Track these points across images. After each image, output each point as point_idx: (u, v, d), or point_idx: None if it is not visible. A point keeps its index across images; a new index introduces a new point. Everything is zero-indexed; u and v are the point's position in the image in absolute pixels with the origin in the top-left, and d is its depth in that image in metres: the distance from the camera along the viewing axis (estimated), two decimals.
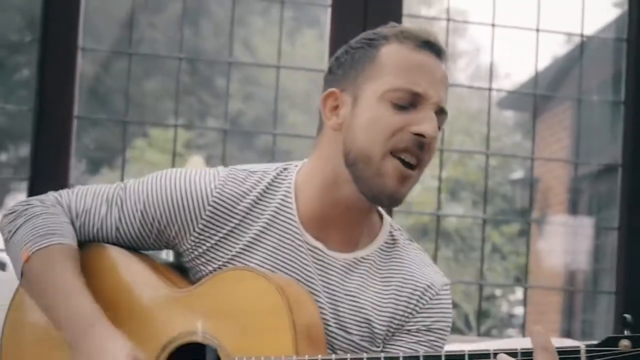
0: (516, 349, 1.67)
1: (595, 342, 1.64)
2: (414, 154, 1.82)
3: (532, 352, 1.66)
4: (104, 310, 1.81)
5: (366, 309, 1.91)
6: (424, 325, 1.93)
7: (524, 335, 4.62)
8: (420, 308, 1.93)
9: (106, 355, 1.70)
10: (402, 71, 1.82)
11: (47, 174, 3.24)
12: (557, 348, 1.64)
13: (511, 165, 11.85)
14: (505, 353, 1.67)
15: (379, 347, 1.94)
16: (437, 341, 1.95)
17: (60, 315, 1.79)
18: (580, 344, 1.65)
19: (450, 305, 1.99)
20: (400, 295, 1.93)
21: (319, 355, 1.73)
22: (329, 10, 3.56)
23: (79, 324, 1.76)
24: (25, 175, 3.28)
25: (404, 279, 1.95)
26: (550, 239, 8.98)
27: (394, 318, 1.93)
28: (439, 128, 1.86)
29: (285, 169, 1.96)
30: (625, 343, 1.61)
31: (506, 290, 12.66)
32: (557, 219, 10.62)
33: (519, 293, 12.46)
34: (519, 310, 12.66)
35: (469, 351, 1.67)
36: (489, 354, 1.67)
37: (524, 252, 12.42)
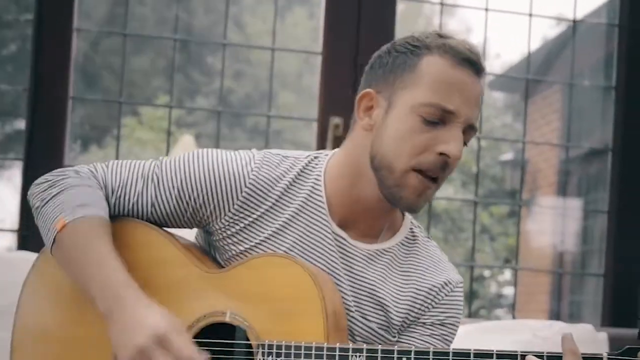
0: (543, 353, 1.69)
1: (616, 352, 1.67)
2: (436, 172, 1.87)
3: (561, 356, 1.68)
4: None
5: (385, 300, 1.95)
6: (438, 320, 1.99)
7: (513, 317, 4.66)
8: (437, 303, 1.99)
9: (144, 321, 1.72)
10: (438, 86, 1.85)
11: (43, 154, 3.25)
12: (583, 354, 1.68)
13: (500, 146, 11.88)
14: (534, 355, 1.69)
15: (394, 337, 1.99)
16: (448, 335, 2.00)
17: (93, 285, 1.80)
18: (603, 354, 1.67)
19: (462, 302, 2.04)
20: (419, 290, 1.98)
21: (351, 344, 1.77)
22: None
23: (113, 293, 1.77)
24: (17, 154, 3.29)
25: (423, 274, 2.00)
26: (539, 220, 9.03)
27: (411, 310, 1.98)
28: (465, 144, 1.91)
29: (316, 157, 2.00)
30: None
31: (495, 271, 12.73)
32: (546, 200, 10.67)
33: (507, 274, 12.53)
34: (507, 291, 12.73)
35: (496, 351, 1.71)
36: (517, 355, 1.71)
37: (513, 233, 12.50)
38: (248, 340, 1.81)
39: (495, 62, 16.68)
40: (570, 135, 4.41)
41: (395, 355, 1.73)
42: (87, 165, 2.01)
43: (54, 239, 1.87)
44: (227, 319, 1.83)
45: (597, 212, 8.35)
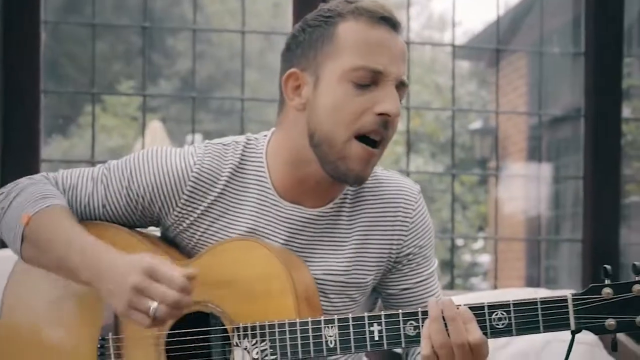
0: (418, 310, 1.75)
1: (580, 292, 1.70)
2: (379, 133, 1.83)
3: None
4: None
5: (356, 253, 1.95)
6: (415, 245, 1.98)
7: (495, 286, 4.69)
8: (407, 233, 1.98)
9: (128, 264, 1.75)
10: (361, 49, 1.83)
11: (18, 149, 3.21)
12: (545, 298, 1.70)
13: (468, 115, 11.93)
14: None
15: (371, 296, 2.02)
16: (429, 249, 2.02)
17: (75, 261, 1.82)
18: (567, 293, 1.71)
19: (426, 212, 2.03)
20: (389, 230, 1.97)
21: (322, 317, 1.79)
22: None
23: (92, 258, 1.80)
24: None
25: (383, 215, 1.97)
26: (511, 187, 9.10)
27: (392, 252, 1.97)
28: (400, 100, 1.88)
29: (256, 138, 1.99)
30: (607, 291, 1.68)
31: (468, 240, 12.81)
32: (516, 167, 10.74)
33: (480, 242, 12.62)
34: (481, 259, 12.83)
35: (402, 311, 1.74)
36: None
37: (484, 201, 12.59)
38: (223, 325, 1.83)
39: (457, 30, 16.75)
40: (538, 102, 4.41)
41: (367, 322, 1.76)
42: (39, 174, 2.03)
43: (23, 236, 1.88)
44: (201, 307, 1.84)
45: (567, 177, 8.44)
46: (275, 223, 1.93)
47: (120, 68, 14.35)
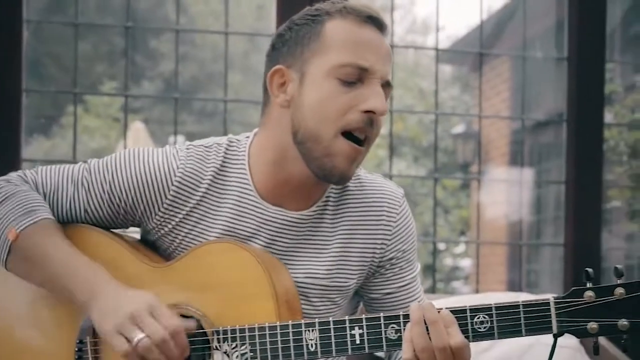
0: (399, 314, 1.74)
1: (562, 295, 1.70)
2: (364, 131, 1.82)
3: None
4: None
5: (338, 257, 1.93)
6: (399, 250, 1.98)
7: (477, 290, 4.69)
8: (391, 237, 1.97)
9: (135, 294, 1.75)
10: (348, 46, 1.82)
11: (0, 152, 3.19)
12: (527, 301, 1.70)
13: (451, 119, 11.93)
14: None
15: (353, 300, 2.01)
16: (412, 253, 2.01)
17: (67, 279, 1.81)
18: (549, 297, 1.71)
19: (410, 216, 2.02)
20: (371, 235, 1.96)
21: (302, 320, 1.77)
22: None
23: (89, 284, 1.78)
24: None
25: (366, 218, 1.96)
26: (493, 191, 9.10)
27: (375, 256, 1.96)
28: (385, 100, 1.87)
29: (237, 139, 1.97)
30: (589, 294, 1.68)
31: (450, 244, 12.83)
32: (498, 171, 10.77)
33: (462, 246, 12.64)
34: (463, 263, 12.85)
35: (384, 314, 1.74)
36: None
37: (466, 206, 12.61)
38: (203, 329, 1.81)
39: (441, 35, 16.79)
40: (520, 106, 4.40)
41: (348, 325, 1.74)
42: (15, 172, 2.00)
43: (9, 250, 1.85)
44: (181, 311, 1.82)
45: (549, 182, 8.46)
46: (256, 225, 1.91)
47: (103, 69, 14.30)
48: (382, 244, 1.96)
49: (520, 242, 4.55)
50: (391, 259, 1.97)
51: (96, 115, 13.94)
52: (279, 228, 1.91)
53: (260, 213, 1.91)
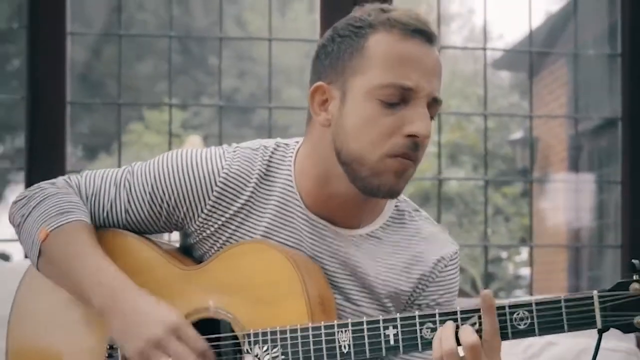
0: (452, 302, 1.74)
1: (607, 289, 1.60)
2: (408, 156, 1.75)
3: (472, 315, 1.64)
4: None
5: (374, 285, 1.88)
6: (433, 300, 1.90)
7: (530, 294, 4.62)
8: (430, 283, 1.90)
9: (155, 313, 1.71)
10: (391, 64, 1.73)
11: (44, 162, 3.21)
12: (570, 296, 1.62)
13: (509, 126, 11.82)
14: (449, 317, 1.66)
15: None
16: (446, 309, 1.93)
17: (87, 285, 1.77)
18: (593, 291, 1.61)
19: (458, 274, 1.96)
20: (410, 272, 1.89)
21: (335, 321, 1.72)
22: None
23: (108, 288, 1.75)
24: (22, 165, 3.26)
25: (412, 255, 1.91)
26: (553, 197, 8.98)
27: (403, 293, 1.89)
28: (432, 118, 1.78)
29: (286, 144, 1.91)
30: (636, 286, 1.57)
31: (512, 251, 12.68)
32: (559, 177, 10.62)
33: (524, 254, 12.50)
34: (525, 271, 12.70)
35: (419, 313, 1.68)
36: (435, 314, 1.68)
37: (527, 213, 12.45)
38: (234, 332, 1.77)
39: (499, 43, 16.66)
40: (577, 109, 4.34)
41: (382, 325, 1.68)
42: (62, 177, 1.97)
43: (39, 251, 1.84)
44: (211, 314, 1.79)
45: (611, 184, 8.33)
46: (299, 235, 1.85)
47: (165, 86, 14.45)
48: (422, 285, 1.89)
49: (573, 244, 4.46)
50: (420, 305, 1.90)
51: (157, 131, 14.09)
52: (323, 242, 1.86)
53: (305, 223, 1.85)
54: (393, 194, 1.79)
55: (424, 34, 1.75)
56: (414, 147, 1.74)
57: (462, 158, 12.93)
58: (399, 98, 1.72)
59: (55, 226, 1.82)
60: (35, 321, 1.93)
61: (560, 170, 10.38)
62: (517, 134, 11.01)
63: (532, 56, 4.17)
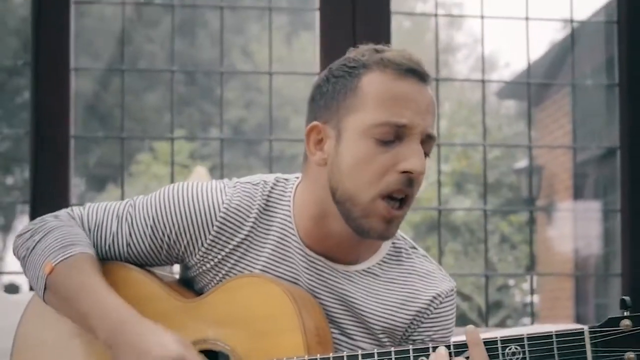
0: (447, 338, 1.74)
1: (597, 324, 1.63)
2: (402, 192, 1.77)
3: (465, 344, 1.66)
4: None
5: (369, 320, 1.90)
6: (427, 336, 1.92)
7: (532, 323, 4.62)
8: (425, 319, 1.93)
9: (160, 344, 1.71)
10: (384, 103, 1.75)
11: (48, 195, 3.24)
12: (561, 331, 1.65)
13: (515, 154, 11.83)
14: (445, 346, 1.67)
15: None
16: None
17: (93, 318, 1.78)
18: (584, 327, 1.63)
19: (454, 311, 1.98)
20: (404, 308, 1.92)
21: (331, 354, 1.74)
22: (317, 13, 3.56)
23: (113, 320, 1.76)
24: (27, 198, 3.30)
25: (408, 292, 1.93)
26: (559, 225, 8.97)
27: (397, 328, 1.92)
28: (427, 154, 1.80)
29: (286, 180, 1.94)
30: (626, 322, 1.60)
31: (519, 279, 12.66)
32: (564, 205, 10.62)
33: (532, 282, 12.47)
34: (530, 299, 12.65)
35: (413, 346, 1.69)
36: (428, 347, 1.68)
37: (533, 241, 12.47)
38: None
39: (505, 72, 16.70)
40: (580, 137, 4.35)
41: (376, 358, 1.70)
42: (65, 209, 2.00)
43: (45, 285, 1.86)
44: (210, 346, 1.81)
45: (609, 211, 8.33)
46: (297, 271, 1.88)
47: (170, 117, 14.49)
48: (417, 321, 1.92)
49: (577, 272, 4.47)
50: (415, 340, 1.92)
51: (165, 162, 14.13)
52: (320, 277, 1.88)
53: (302, 258, 1.88)
54: (384, 237, 1.82)
55: (416, 74, 1.77)
56: (408, 184, 1.76)
57: (468, 187, 12.94)
58: (393, 136, 1.75)
59: (61, 259, 1.84)
60: (37, 353, 1.95)
61: (565, 199, 10.39)
62: (522, 163, 11.04)
63: (529, 88, 4.20)
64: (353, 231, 1.81)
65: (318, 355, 1.74)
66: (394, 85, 1.76)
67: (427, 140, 1.78)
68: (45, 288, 1.86)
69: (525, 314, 12.68)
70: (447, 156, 12.92)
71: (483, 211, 4.10)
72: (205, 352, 1.82)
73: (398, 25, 17.13)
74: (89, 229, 1.94)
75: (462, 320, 11.61)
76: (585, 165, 8.40)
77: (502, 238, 12.11)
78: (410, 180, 1.76)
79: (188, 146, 14.35)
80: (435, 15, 3.93)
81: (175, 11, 3.79)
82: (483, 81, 4.11)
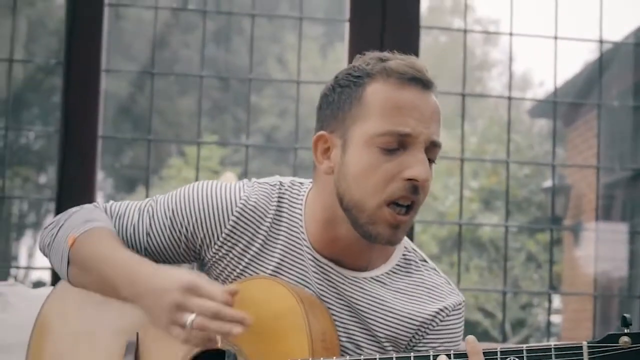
0: (450, 351, 1.71)
1: (596, 339, 1.65)
2: (408, 199, 1.81)
3: (466, 354, 1.69)
4: (129, 324, 1.91)
5: (374, 328, 1.93)
6: (432, 348, 1.94)
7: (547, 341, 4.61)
8: (430, 331, 1.95)
9: (168, 280, 1.76)
10: (388, 112, 1.79)
11: (74, 194, 3.28)
12: (560, 344, 1.67)
13: (544, 173, 11.79)
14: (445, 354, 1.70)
15: None
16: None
17: (113, 278, 1.84)
18: (583, 342, 1.66)
19: (461, 325, 2.00)
20: (411, 319, 1.94)
21: (334, 357, 1.77)
22: (347, 25, 3.59)
23: (131, 273, 1.82)
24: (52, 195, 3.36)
25: (415, 304, 1.95)
26: (585, 245, 8.92)
27: (402, 339, 1.94)
28: (433, 161, 1.85)
29: (301, 183, 1.99)
30: (625, 339, 1.63)
31: (542, 299, 12.60)
32: (590, 225, 10.56)
33: (556, 302, 12.39)
34: (555, 319, 12.58)
35: (414, 354, 1.72)
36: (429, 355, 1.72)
37: (559, 260, 12.40)
38: None
39: (539, 90, 16.64)
40: (610, 159, 4.34)
41: None
42: (89, 204, 2.08)
43: (69, 259, 1.93)
44: (219, 345, 1.83)
45: (635, 233, 8.30)
46: (304, 274, 1.93)
47: (206, 123, 14.62)
48: (422, 332, 1.94)
49: (596, 293, 4.46)
50: (420, 351, 1.90)
51: (195, 167, 14.23)
52: (329, 282, 1.92)
53: (312, 263, 1.92)
54: (392, 243, 1.85)
55: (419, 82, 1.81)
56: (413, 191, 1.80)
57: (496, 204, 12.89)
58: (397, 144, 1.78)
59: (82, 231, 1.91)
60: (56, 341, 2.00)
61: (592, 219, 10.33)
62: (550, 182, 11.00)
63: (556, 106, 4.22)
64: (361, 236, 1.84)
65: (321, 358, 1.77)
66: (397, 94, 1.80)
67: (432, 148, 1.82)
68: (68, 263, 1.93)
69: (550, 334, 12.62)
70: (476, 172, 12.88)
71: (505, 227, 4.11)
72: (213, 351, 1.86)
73: (434, 40, 17.12)
74: (112, 217, 2.00)
75: (484, 336, 11.56)
76: (613, 187, 8.37)
77: (529, 256, 12.04)
78: (415, 187, 1.80)
79: (219, 152, 14.43)
80: (465, 31, 3.95)
81: (210, 17, 3.84)
82: (510, 98, 4.13)
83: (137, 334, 1.93)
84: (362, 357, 1.76)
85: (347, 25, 3.59)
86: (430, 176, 1.82)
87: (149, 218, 1.97)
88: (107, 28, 3.41)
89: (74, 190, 3.29)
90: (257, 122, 16.09)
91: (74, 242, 1.91)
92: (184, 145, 14.47)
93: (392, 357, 1.74)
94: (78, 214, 1.99)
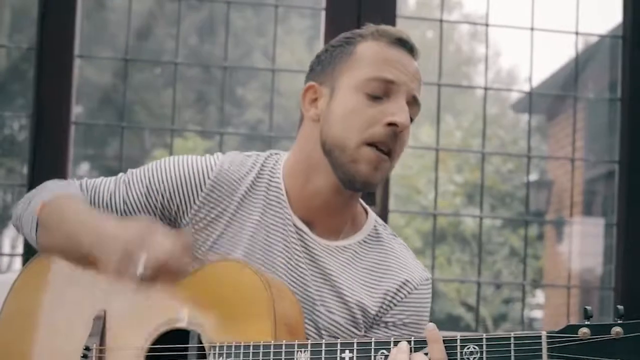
0: (410, 338, 1.72)
1: (556, 330, 1.65)
2: (387, 144, 1.90)
3: (425, 341, 1.71)
4: (97, 300, 1.94)
5: (347, 295, 1.98)
6: (399, 320, 2.00)
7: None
8: (397, 302, 2.00)
9: (127, 223, 1.82)
10: (376, 62, 1.92)
11: (46, 180, 3.28)
12: (519, 334, 1.67)
13: (527, 168, 11.79)
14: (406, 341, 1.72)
15: (361, 332, 2.00)
16: (411, 331, 2.00)
17: (82, 232, 1.89)
18: (542, 331, 1.66)
19: (429, 300, 2.06)
20: (379, 288, 2.00)
21: (295, 340, 1.80)
22: (323, 13, 3.59)
23: (93, 226, 1.87)
24: (22, 180, 3.35)
25: (384, 273, 2.02)
26: (567, 240, 8.95)
27: (370, 308, 1.99)
28: (412, 119, 1.94)
29: (278, 154, 2.06)
30: (584, 331, 1.62)
31: (525, 293, 12.64)
32: (572, 220, 10.62)
33: (539, 297, 12.43)
34: (538, 314, 12.63)
35: (375, 340, 1.74)
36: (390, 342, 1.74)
37: (542, 255, 12.45)
38: (202, 343, 1.85)
39: (526, 85, 16.66)
40: (591, 153, 4.35)
41: (339, 348, 1.76)
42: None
43: (37, 223, 1.98)
44: (184, 325, 1.87)
45: (608, 226, 8.31)
46: (281, 238, 1.97)
47: (191, 115, 14.61)
48: (387, 303, 2.00)
49: (568, 285, 4.48)
50: (387, 322, 2.00)
51: None
52: (304, 247, 1.97)
53: (289, 225, 1.97)
54: (368, 184, 1.92)
55: (407, 45, 1.95)
56: (392, 136, 1.89)
57: (479, 198, 12.90)
58: (382, 91, 1.91)
59: (51, 197, 1.98)
60: (21, 323, 2.02)
61: (574, 214, 10.37)
62: (533, 176, 11.03)
63: (531, 98, 4.23)
64: (339, 181, 1.92)
65: (283, 340, 1.79)
66: (385, 49, 1.93)
67: (413, 103, 1.94)
68: (37, 226, 1.99)
69: (530, 327, 12.65)
70: (460, 167, 12.92)
71: (479, 219, 4.12)
72: (179, 331, 1.88)
73: (421, 34, 17.17)
74: (86, 190, 2.05)
75: (466, 330, 11.59)
76: (594, 182, 8.39)
77: (512, 251, 12.09)
78: (395, 133, 1.89)
79: (204, 144, 14.43)
80: (440, 20, 3.96)
81: (192, 7, 3.82)
82: (485, 88, 4.15)
83: (105, 311, 1.95)
84: (322, 341, 1.78)
85: (323, 14, 3.59)
86: (409, 125, 1.91)
87: (125, 186, 2.02)
88: (84, 14, 3.39)
89: (46, 177, 3.27)
90: (242, 115, 16.09)
91: (43, 206, 1.96)
92: (169, 137, 14.45)
93: (353, 342, 1.75)
94: (49, 185, 2.08)
